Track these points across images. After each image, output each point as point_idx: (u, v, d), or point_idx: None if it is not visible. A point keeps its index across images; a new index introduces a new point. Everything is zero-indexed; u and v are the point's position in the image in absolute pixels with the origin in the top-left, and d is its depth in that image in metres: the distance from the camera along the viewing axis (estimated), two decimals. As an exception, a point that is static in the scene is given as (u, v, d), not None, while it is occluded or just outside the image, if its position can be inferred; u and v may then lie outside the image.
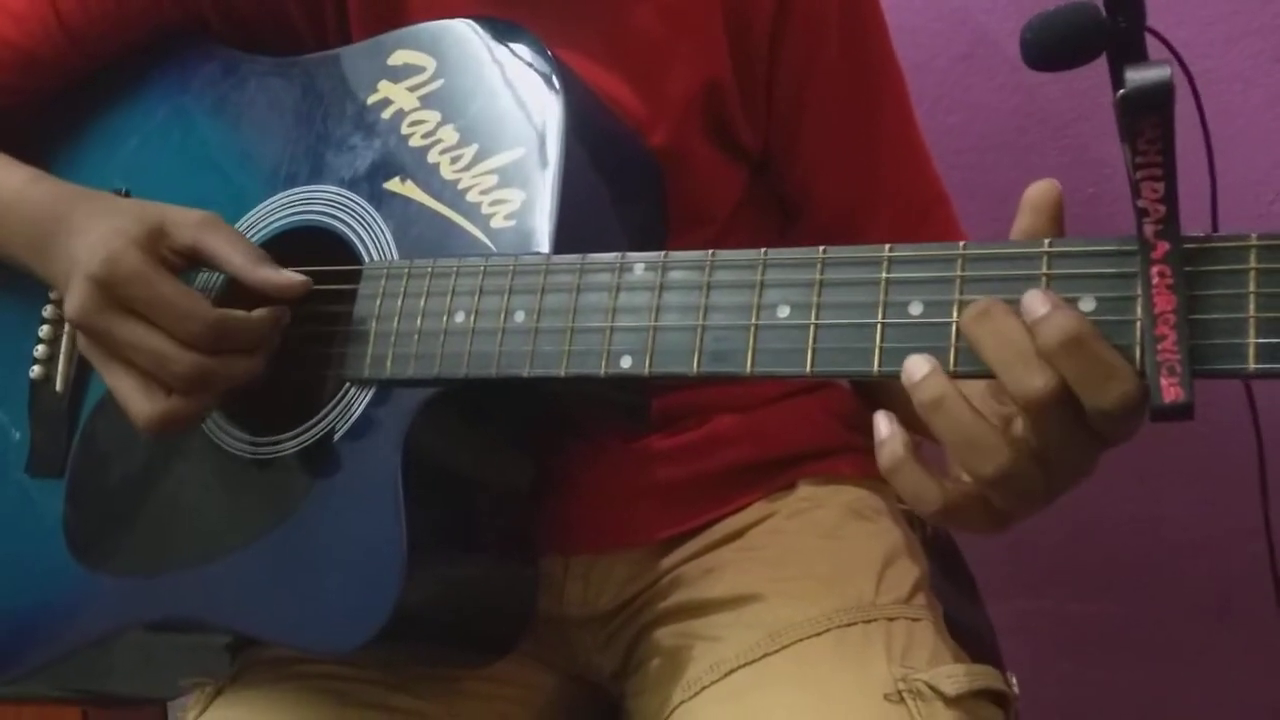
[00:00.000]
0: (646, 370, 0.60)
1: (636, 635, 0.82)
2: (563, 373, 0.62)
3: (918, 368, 0.52)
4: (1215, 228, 0.49)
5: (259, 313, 0.70)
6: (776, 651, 0.73)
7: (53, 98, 0.88)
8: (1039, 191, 0.53)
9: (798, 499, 0.84)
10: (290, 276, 0.71)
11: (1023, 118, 1.15)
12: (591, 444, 0.81)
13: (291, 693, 0.77)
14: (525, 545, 0.77)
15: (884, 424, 0.54)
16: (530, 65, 0.72)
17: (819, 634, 0.74)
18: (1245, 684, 1.17)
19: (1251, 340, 0.46)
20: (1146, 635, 1.22)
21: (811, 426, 0.87)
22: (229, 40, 0.87)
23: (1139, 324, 0.48)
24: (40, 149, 0.87)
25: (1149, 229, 0.47)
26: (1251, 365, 0.46)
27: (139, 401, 0.69)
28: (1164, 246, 0.47)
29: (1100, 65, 0.47)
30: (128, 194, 0.85)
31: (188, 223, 0.72)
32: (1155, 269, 0.47)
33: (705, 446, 0.83)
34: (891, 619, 0.76)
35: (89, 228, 0.72)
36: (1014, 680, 0.77)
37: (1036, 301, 0.50)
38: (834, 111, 0.83)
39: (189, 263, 0.72)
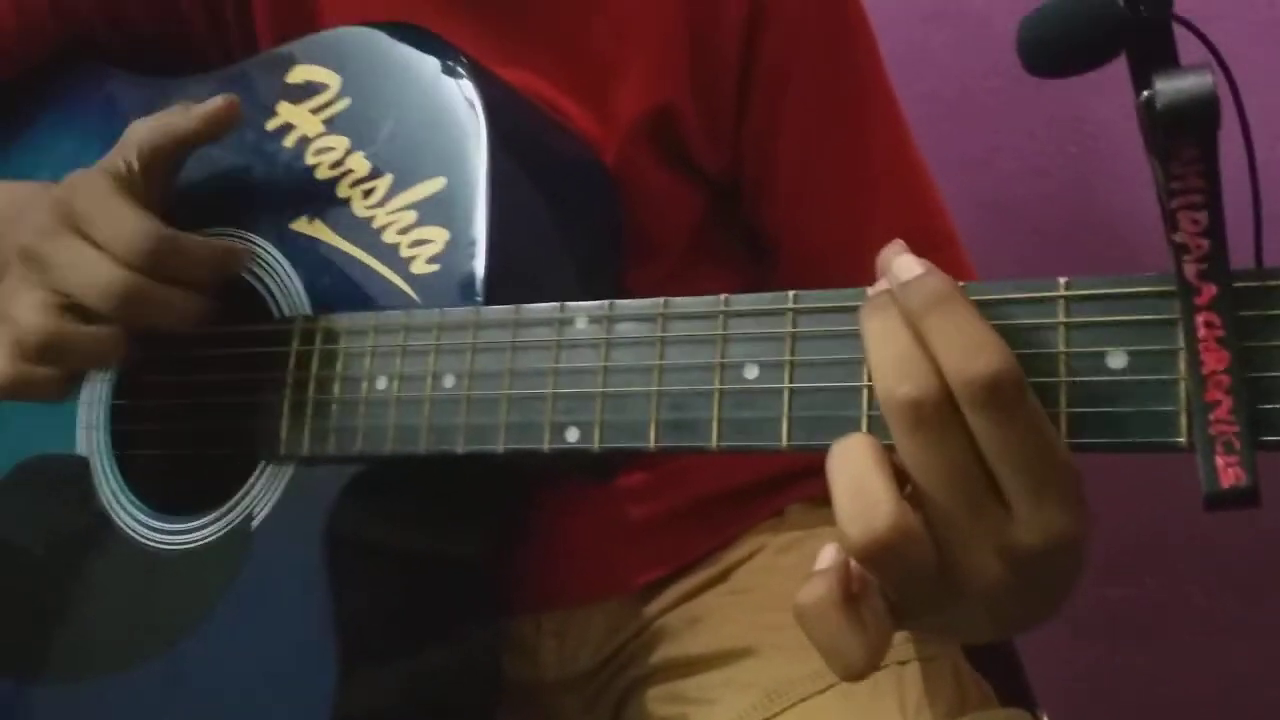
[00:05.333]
0: (596, 444, 0.51)
1: (622, 696, 0.74)
2: (501, 449, 0.53)
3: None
4: (1259, 261, 0.40)
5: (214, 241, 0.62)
6: (776, 716, 0.66)
7: None
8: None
9: (789, 528, 0.76)
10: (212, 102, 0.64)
11: (996, 77, 1.06)
12: (552, 489, 0.72)
13: None
14: (484, 618, 0.68)
15: (828, 555, 0.45)
16: (448, 77, 0.63)
17: (821, 691, 0.66)
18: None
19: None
20: (1172, 617, 1.15)
21: None
22: (123, 57, 0.77)
23: (1183, 385, 0.39)
24: None
25: (1190, 269, 0.38)
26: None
27: None
28: (1210, 290, 0.38)
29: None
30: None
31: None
32: (1201, 318, 0.38)
33: (679, 476, 0.74)
34: (903, 662, 0.68)
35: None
36: (1045, 718, 0.70)
37: (909, 265, 0.42)
38: (814, 137, 0.73)
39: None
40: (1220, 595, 1.12)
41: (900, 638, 0.70)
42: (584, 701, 0.76)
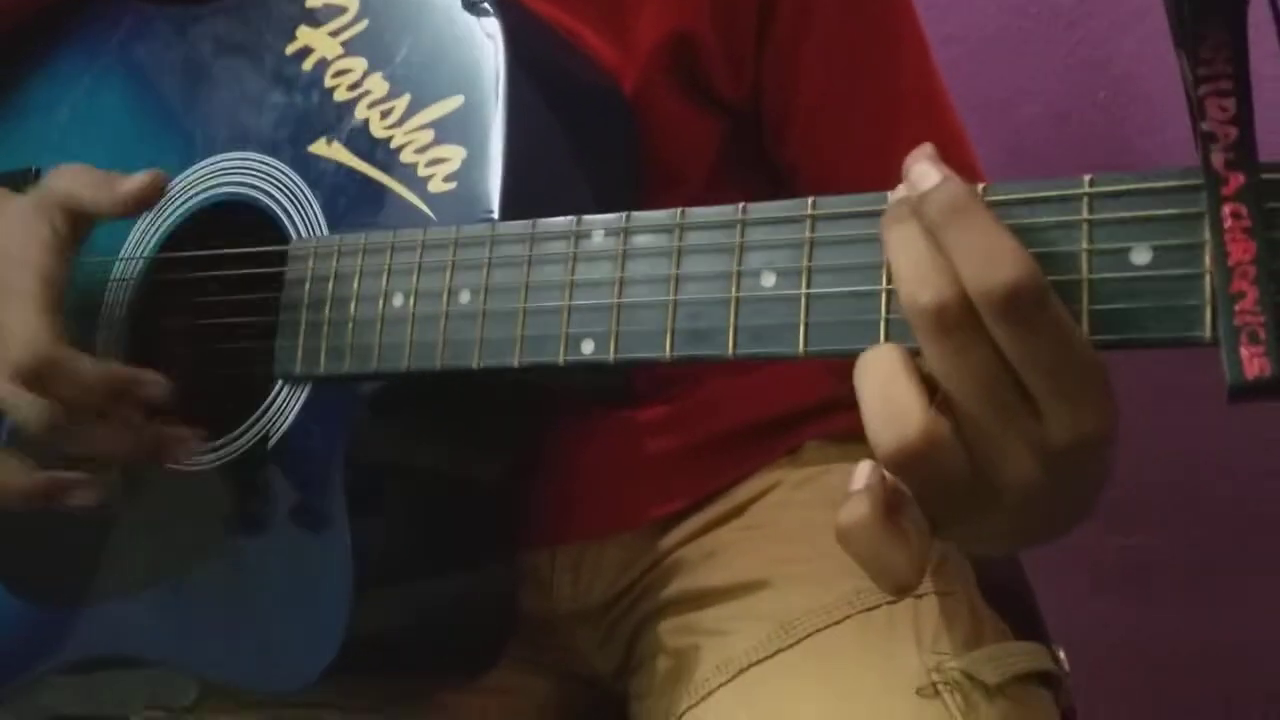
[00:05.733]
0: (611, 356, 0.50)
1: (636, 628, 0.74)
2: (516, 362, 0.53)
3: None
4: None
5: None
6: (791, 646, 0.66)
7: None
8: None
9: (805, 464, 0.76)
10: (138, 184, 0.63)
11: (1024, 17, 1.04)
12: (571, 420, 0.72)
13: None
14: (501, 546, 0.68)
15: (864, 473, 0.44)
16: None
17: (837, 622, 0.66)
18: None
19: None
20: (1186, 566, 1.14)
21: (817, 379, 0.78)
22: None
23: (1209, 278, 0.39)
24: None
25: (1218, 158, 0.37)
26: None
27: None
28: (1238, 179, 0.37)
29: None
30: (38, 174, 0.76)
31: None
32: (1228, 208, 0.37)
33: (699, 413, 0.74)
34: (919, 595, 0.67)
35: None
36: (1062, 655, 0.70)
37: (927, 174, 0.41)
38: (838, 66, 0.73)
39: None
40: (1238, 544, 1.11)
41: (917, 573, 0.69)
42: (598, 634, 0.76)
